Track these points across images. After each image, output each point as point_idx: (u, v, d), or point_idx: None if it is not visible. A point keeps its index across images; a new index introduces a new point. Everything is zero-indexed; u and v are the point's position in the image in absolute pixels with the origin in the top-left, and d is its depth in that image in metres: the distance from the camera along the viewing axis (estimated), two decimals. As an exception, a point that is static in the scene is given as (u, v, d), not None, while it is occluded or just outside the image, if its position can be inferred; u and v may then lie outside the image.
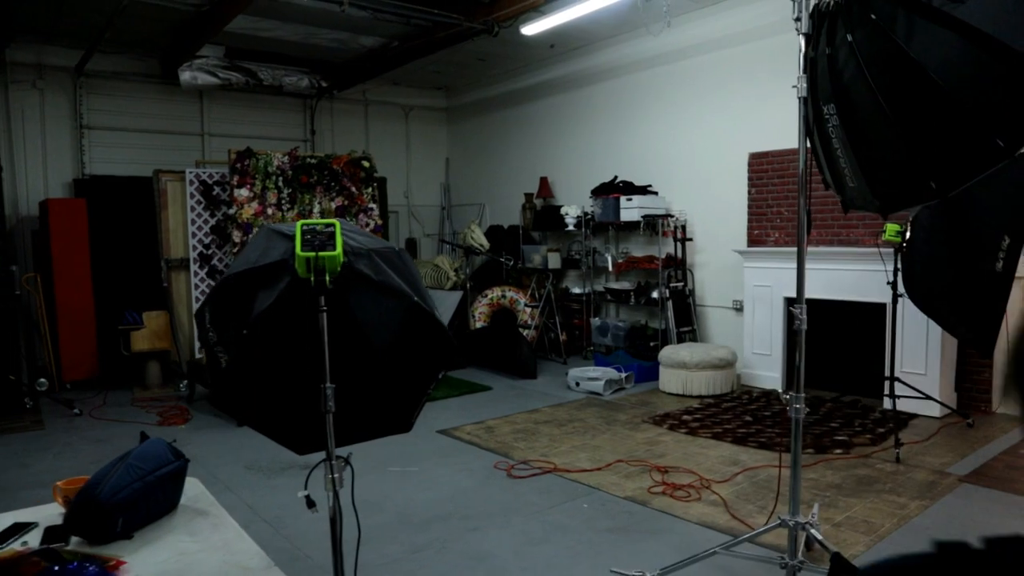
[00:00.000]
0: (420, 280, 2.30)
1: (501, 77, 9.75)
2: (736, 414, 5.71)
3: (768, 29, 6.77)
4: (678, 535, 3.53)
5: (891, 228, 5.17)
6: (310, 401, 2.04)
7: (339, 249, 1.94)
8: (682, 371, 6.39)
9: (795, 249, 6.47)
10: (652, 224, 7.42)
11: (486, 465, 4.64)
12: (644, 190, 7.68)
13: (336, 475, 2.02)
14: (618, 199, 7.56)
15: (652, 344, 7.41)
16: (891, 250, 5.27)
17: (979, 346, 5.15)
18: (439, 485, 4.30)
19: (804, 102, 2.81)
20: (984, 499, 4.01)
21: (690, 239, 7.55)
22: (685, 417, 5.65)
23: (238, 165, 6.99)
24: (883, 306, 5.80)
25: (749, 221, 6.98)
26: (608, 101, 8.49)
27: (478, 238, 8.85)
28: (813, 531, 2.87)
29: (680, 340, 7.19)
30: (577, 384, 6.57)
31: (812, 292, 6.29)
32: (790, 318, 6.50)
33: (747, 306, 6.82)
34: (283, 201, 7.16)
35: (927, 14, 2.43)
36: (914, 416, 5.48)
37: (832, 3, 2.70)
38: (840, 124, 2.82)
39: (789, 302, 6.53)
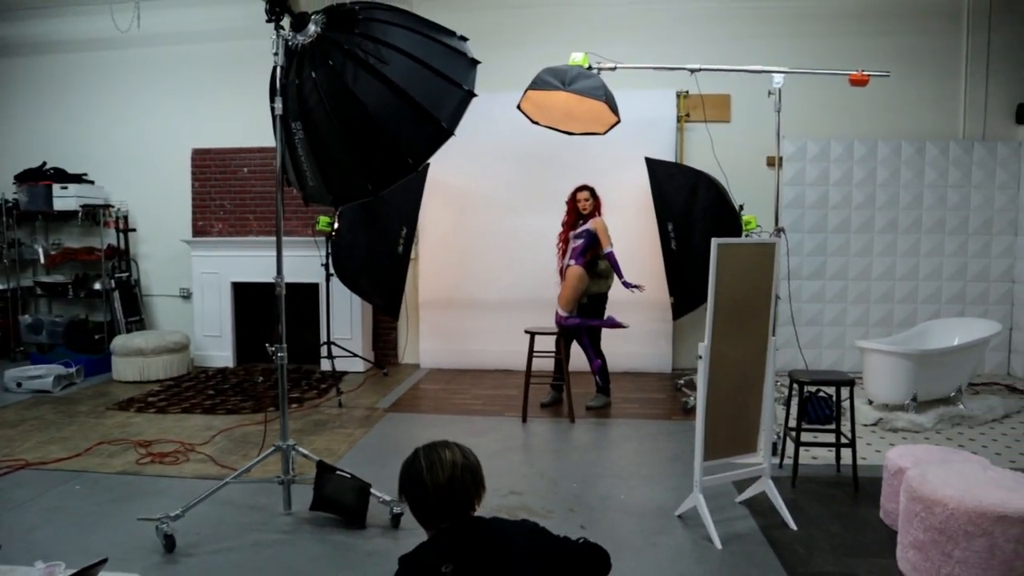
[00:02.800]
0: None
1: None
2: (199, 390, 6.19)
3: (220, 33, 7.37)
4: (180, 488, 3.96)
5: (323, 220, 6.35)
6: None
7: None
8: (139, 358, 6.52)
9: (240, 239, 7.24)
10: (92, 214, 7.22)
11: (-65, 477, 4.19)
12: (80, 178, 7.38)
13: None
14: (50, 187, 7.10)
15: (97, 337, 7.23)
16: (323, 238, 6.45)
17: (389, 312, 6.74)
18: None
19: (280, 119, 3.56)
20: (403, 420, 5.46)
21: (133, 229, 7.58)
22: (151, 399, 5.88)
23: None
24: (316, 285, 6.98)
25: (194, 213, 7.41)
26: (39, 79, 7.78)
27: None
28: (301, 449, 3.72)
29: (129, 330, 7.22)
30: (19, 385, 6.08)
31: (258, 276, 7.14)
32: (237, 300, 7.21)
33: (196, 293, 7.28)
34: None
35: (366, 68, 3.45)
36: (346, 372, 6.78)
37: (299, 45, 3.52)
38: (305, 138, 3.68)
39: (236, 287, 7.27)
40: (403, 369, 7.22)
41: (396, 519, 3.52)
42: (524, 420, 5.43)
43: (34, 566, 1.97)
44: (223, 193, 7.37)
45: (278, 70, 3.52)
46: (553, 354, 5.75)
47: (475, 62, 3.79)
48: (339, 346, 6.58)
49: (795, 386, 4.30)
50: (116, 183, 7.61)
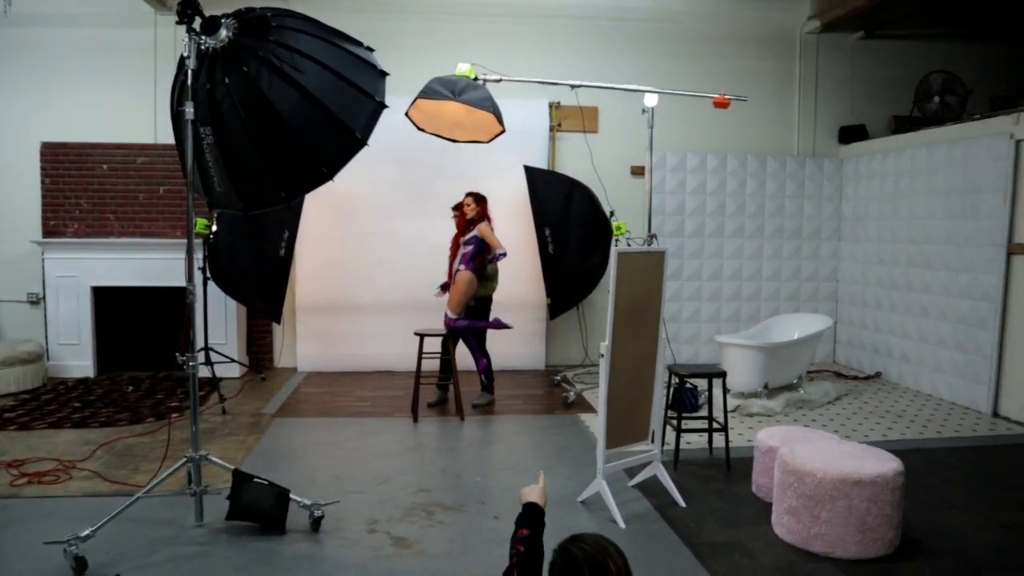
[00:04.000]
0: None
1: None
2: (62, 403, 5.79)
3: (74, 19, 6.88)
4: (70, 508, 3.76)
5: (201, 222, 6.12)
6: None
7: None
8: (-14, 371, 5.99)
9: (101, 240, 6.80)
10: (-79, 212, 6.51)
11: None
12: (-97, 172, 6.63)
13: None
14: None
15: (-72, 348, 6.52)
16: (200, 241, 6.22)
17: (271, 316, 6.64)
18: None
19: (192, 124, 3.47)
20: (293, 424, 5.43)
21: (-25, 229, 6.92)
22: (8, 415, 5.44)
23: None
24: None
25: (44, 212, 6.87)
26: None
27: None
28: (214, 458, 3.67)
29: (-32, 340, 6.59)
30: None
31: (122, 280, 6.77)
32: (98, 306, 6.74)
33: (50, 298, 6.76)
34: None
35: (281, 76, 3.47)
36: (223, 378, 6.56)
37: (211, 49, 3.46)
38: (215, 143, 3.62)
39: (96, 292, 6.83)
40: (280, 373, 7.10)
41: (316, 523, 3.57)
42: (415, 420, 5.56)
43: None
44: (79, 191, 6.88)
45: (189, 74, 3.43)
46: (440, 355, 5.92)
47: (383, 73, 3.90)
48: (216, 351, 6.38)
49: (674, 378, 4.76)
50: (-53, 178, 6.91)
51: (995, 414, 5.80)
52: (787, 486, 3.54)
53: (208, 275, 6.25)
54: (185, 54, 3.43)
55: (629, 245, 6.45)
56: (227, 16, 3.56)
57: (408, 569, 3.23)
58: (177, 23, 3.47)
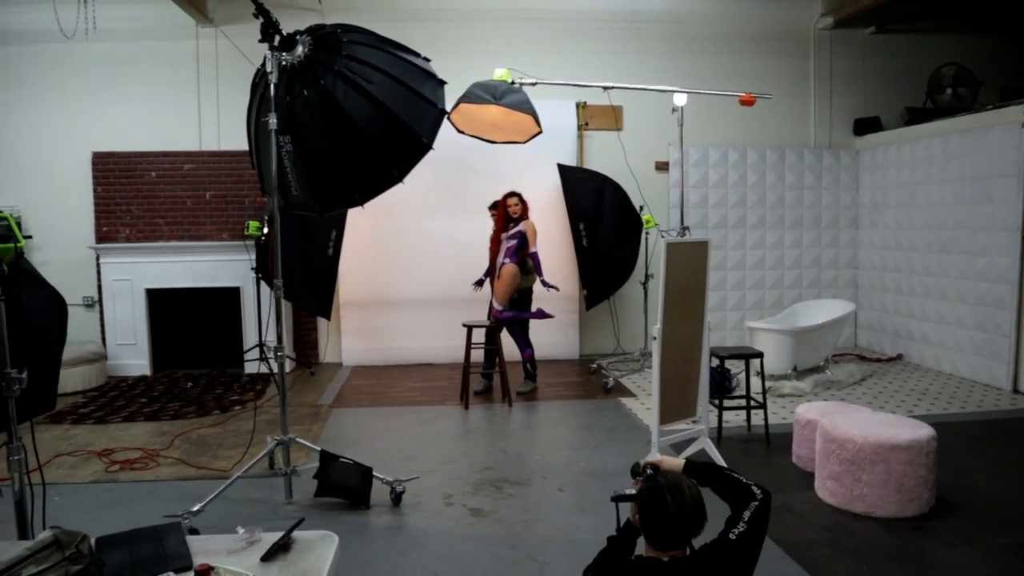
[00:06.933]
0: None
1: None
2: (129, 399, 6.12)
3: (121, 33, 7.17)
4: (168, 491, 4.09)
5: (253, 225, 6.47)
6: None
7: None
8: (55, 370, 6.30)
9: (153, 244, 7.09)
10: (-15, 222, 6.83)
11: None
12: (-33, 184, 6.96)
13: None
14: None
15: (-6, 351, 6.86)
16: (252, 242, 6.55)
17: (322, 312, 6.95)
18: None
19: (274, 134, 3.78)
20: (352, 414, 5.75)
21: (29, 236, 7.22)
22: (82, 411, 5.76)
23: None
24: (237, 289, 7.06)
25: (98, 218, 7.20)
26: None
27: None
28: (302, 440, 3.99)
29: (30, 343, 6.91)
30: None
31: (173, 282, 7.09)
32: (152, 307, 7.03)
33: (107, 300, 7.08)
34: None
35: (355, 87, 3.78)
36: (274, 373, 6.88)
37: (290, 64, 3.77)
38: (293, 150, 3.93)
39: (150, 293, 7.15)
40: (327, 368, 7.42)
41: (398, 498, 3.89)
42: (466, 407, 5.88)
43: (237, 531, 2.24)
44: (129, 198, 7.20)
45: (272, 87, 3.74)
46: (484, 345, 6.24)
47: (441, 82, 4.20)
48: (270, 347, 6.69)
49: (714, 360, 5.06)
50: (5, 188, 7.23)
51: (1015, 390, 6.10)
52: (829, 453, 3.85)
53: (260, 275, 6.57)
54: (268, 69, 3.73)
55: (663, 236, 6.77)
56: (301, 33, 3.89)
57: (489, 535, 3.55)
58: (259, 41, 3.77)
